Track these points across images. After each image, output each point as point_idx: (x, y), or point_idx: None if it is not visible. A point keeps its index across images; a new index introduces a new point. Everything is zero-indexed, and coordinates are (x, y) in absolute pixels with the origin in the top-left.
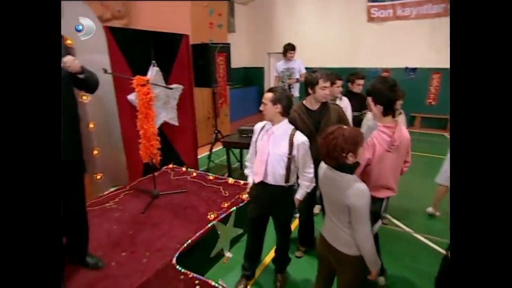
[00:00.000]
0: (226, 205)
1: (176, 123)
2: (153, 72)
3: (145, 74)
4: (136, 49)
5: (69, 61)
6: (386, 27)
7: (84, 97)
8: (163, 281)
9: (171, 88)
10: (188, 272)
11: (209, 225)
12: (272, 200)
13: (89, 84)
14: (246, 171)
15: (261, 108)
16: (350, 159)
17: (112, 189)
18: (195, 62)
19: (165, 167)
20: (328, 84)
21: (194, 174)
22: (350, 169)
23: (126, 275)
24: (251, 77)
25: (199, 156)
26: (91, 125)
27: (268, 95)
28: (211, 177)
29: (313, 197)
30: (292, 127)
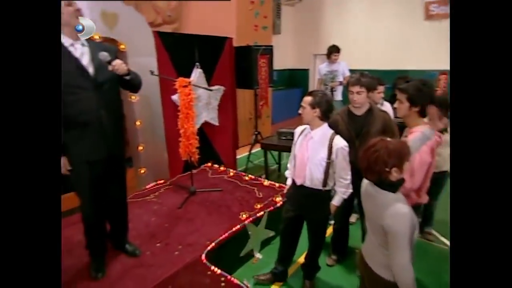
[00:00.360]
0: (259, 206)
1: (217, 123)
2: (196, 74)
3: (189, 75)
4: (182, 52)
5: (117, 65)
6: (445, 25)
7: (133, 97)
8: (191, 275)
9: (211, 90)
10: (216, 269)
11: (240, 225)
12: (308, 202)
13: (134, 85)
14: (286, 173)
15: (300, 112)
16: (394, 175)
17: (154, 183)
18: (238, 64)
19: (204, 165)
20: (356, 88)
21: (231, 173)
22: (393, 186)
23: (158, 265)
24: (296, 79)
25: (239, 156)
26: (138, 123)
27: (307, 99)
28: (247, 178)
29: (350, 204)
30: (332, 131)
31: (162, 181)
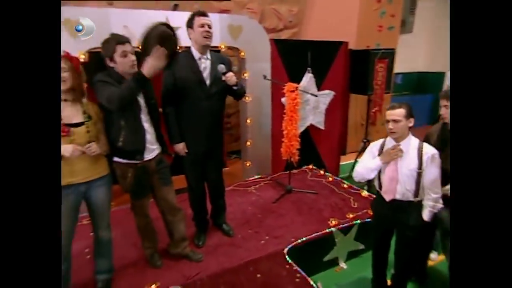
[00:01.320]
0: (351, 216)
1: (322, 127)
2: (307, 78)
3: (300, 80)
4: (294, 57)
5: (229, 76)
6: None
7: (247, 98)
8: (271, 264)
9: (316, 95)
10: (294, 265)
11: (327, 230)
12: (399, 215)
13: (239, 94)
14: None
15: (390, 126)
16: None
17: (256, 177)
18: (353, 68)
19: (305, 166)
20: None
21: (330, 178)
22: None
23: (245, 248)
24: (427, 84)
25: (344, 163)
26: (248, 121)
27: (400, 111)
28: (345, 185)
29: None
30: (418, 140)
31: (264, 176)
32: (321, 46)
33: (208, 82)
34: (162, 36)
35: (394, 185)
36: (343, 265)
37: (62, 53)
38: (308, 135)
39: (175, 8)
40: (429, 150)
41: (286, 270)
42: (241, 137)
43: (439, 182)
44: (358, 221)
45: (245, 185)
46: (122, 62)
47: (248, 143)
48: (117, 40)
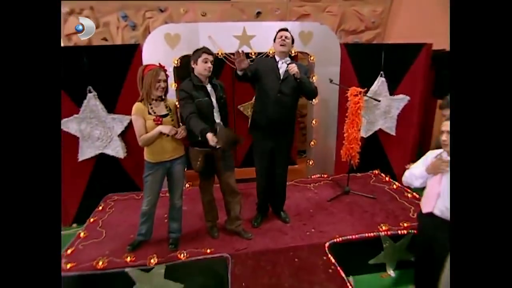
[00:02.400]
0: (405, 225)
1: (393, 133)
2: (378, 82)
3: (371, 84)
4: (365, 61)
5: (291, 67)
6: None
7: (315, 100)
8: (310, 253)
9: (379, 101)
10: (331, 258)
11: (373, 234)
12: (436, 231)
13: (306, 90)
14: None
15: (444, 138)
16: None
17: (318, 175)
18: (437, 71)
19: (371, 171)
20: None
21: (395, 186)
22: None
23: (291, 235)
24: None
25: None
26: (314, 122)
27: (448, 123)
28: (409, 195)
29: None
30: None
31: (325, 175)
32: (398, 49)
33: (281, 77)
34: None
35: (434, 199)
36: (391, 272)
37: (158, 65)
38: (377, 140)
39: (258, 15)
40: None
41: (323, 261)
42: (306, 137)
43: None
44: (412, 232)
45: (305, 182)
46: (201, 66)
47: (312, 143)
48: (204, 50)
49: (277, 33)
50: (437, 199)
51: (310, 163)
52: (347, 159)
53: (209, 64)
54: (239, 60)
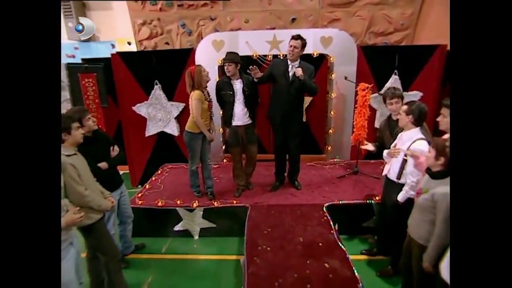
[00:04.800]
0: None
1: None
2: (392, 80)
3: (385, 81)
4: (380, 61)
5: (297, 70)
6: None
7: (332, 94)
8: (310, 209)
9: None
10: (325, 212)
11: (367, 201)
12: (386, 190)
13: (308, 88)
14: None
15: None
16: None
17: (336, 160)
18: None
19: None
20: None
21: None
22: None
23: (298, 198)
24: None
25: None
26: (332, 113)
27: (404, 107)
28: None
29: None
30: (419, 136)
31: (342, 160)
32: (412, 50)
33: (290, 77)
34: None
35: (389, 165)
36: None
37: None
38: None
39: (293, 21)
40: (418, 146)
41: (319, 214)
42: (325, 126)
43: (416, 173)
44: None
45: (323, 164)
46: (227, 68)
47: (331, 131)
48: (226, 59)
49: (290, 40)
50: (390, 167)
51: (329, 148)
52: (356, 144)
53: (229, 68)
54: (254, 73)
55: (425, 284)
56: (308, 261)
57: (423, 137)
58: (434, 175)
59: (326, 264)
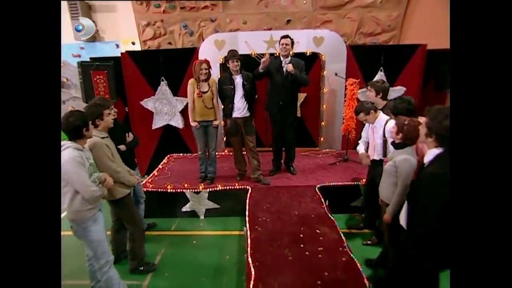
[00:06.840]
0: None
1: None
2: (378, 76)
3: (373, 77)
4: (367, 59)
5: (288, 66)
6: None
7: (324, 89)
8: (304, 190)
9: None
10: (317, 191)
11: (355, 182)
12: (371, 170)
13: (299, 81)
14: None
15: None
16: None
17: (328, 150)
18: (436, 68)
19: None
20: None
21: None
22: None
23: (294, 181)
24: None
25: None
26: (324, 106)
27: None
28: None
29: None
30: (387, 118)
31: (333, 150)
32: (396, 49)
33: (284, 72)
34: None
35: (372, 149)
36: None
37: (204, 60)
38: None
39: (288, 22)
40: (390, 124)
41: (312, 193)
42: (318, 119)
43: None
44: None
45: (316, 153)
46: (231, 65)
47: (323, 123)
48: (231, 55)
49: (280, 39)
50: (374, 151)
51: (322, 139)
52: (346, 133)
53: (236, 64)
54: (266, 62)
55: (391, 234)
56: (302, 228)
57: (390, 118)
58: (396, 146)
59: (317, 230)
